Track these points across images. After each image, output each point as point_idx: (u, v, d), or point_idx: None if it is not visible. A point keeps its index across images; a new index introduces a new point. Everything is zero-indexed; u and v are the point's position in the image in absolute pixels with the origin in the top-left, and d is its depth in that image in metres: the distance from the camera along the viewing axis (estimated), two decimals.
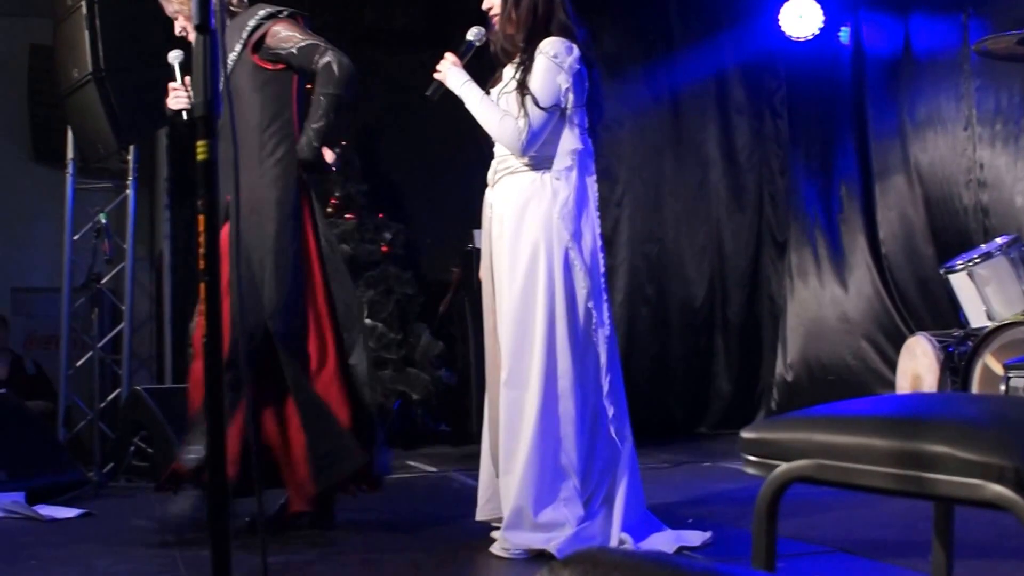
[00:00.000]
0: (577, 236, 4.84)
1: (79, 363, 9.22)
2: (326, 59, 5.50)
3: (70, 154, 9.09)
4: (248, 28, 5.65)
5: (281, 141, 5.60)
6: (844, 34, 10.38)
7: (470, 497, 5.39)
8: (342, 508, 5.72)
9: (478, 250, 10.18)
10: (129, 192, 9.35)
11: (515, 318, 4.83)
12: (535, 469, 4.69)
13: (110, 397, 9.09)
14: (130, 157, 9.27)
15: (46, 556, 5.26)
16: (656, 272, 10.59)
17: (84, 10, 8.08)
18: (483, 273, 5.23)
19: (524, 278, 4.82)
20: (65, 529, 6.14)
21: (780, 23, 10.25)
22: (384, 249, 10.04)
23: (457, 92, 5.03)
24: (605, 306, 4.90)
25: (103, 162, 9.13)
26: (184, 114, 5.79)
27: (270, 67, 5.64)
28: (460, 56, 5.09)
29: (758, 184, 10.80)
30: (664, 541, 4.83)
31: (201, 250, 2.58)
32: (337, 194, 10.03)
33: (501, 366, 4.89)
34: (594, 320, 4.81)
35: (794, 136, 10.78)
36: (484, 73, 5.18)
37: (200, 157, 2.58)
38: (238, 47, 5.65)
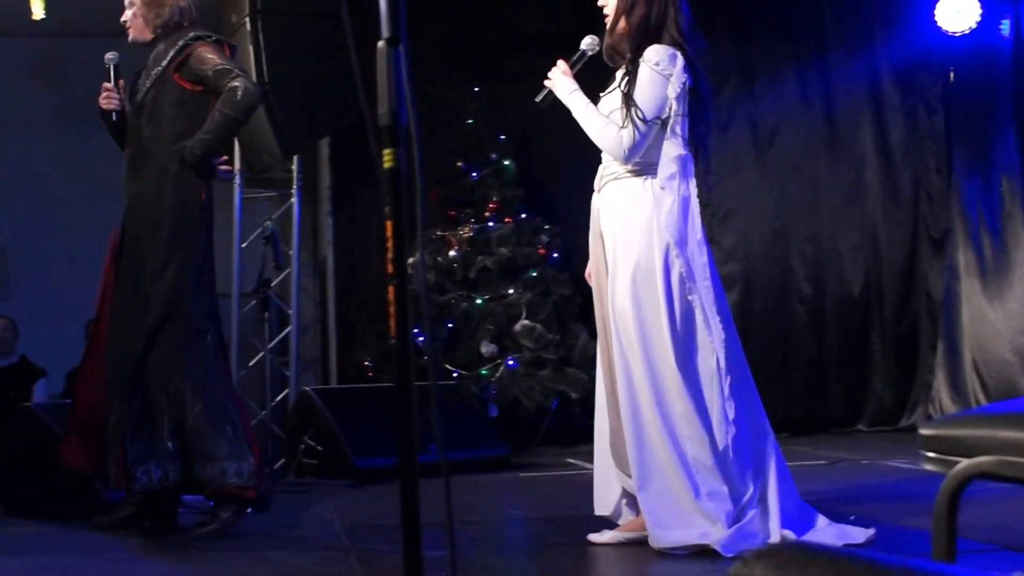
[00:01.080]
0: (681, 243, 4.79)
1: (249, 365, 9.40)
2: (235, 83, 5.58)
3: (237, 165, 9.23)
4: (177, 47, 5.74)
5: None
6: (1005, 26, 10.14)
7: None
8: (513, 503, 5.75)
9: None
10: (293, 200, 9.50)
11: (622, 326, 4.81)
12: (666, 469, 4.67)
13: (279, 397, 9.23)
14: (294, 167, 9.42)
15: (223, 547, 5.36)
16: (812, 271, 10.49)
17: (248, 27, 8.23)
18: (590, 277, 5.29)
19: (629, 285, 4.79)
20: (242, 522, 6.25)
21: (936, 18, 10.06)
22: (541, 251, 10.08)
23: (564, 100, 5.05)
24: (714, 309, 4.84)
25: (268, 172, 9.30)
26: (114, 115, 5.91)
27: (188, 86, 5.74)
28: (572, 64, 5.10)
29: (914, 181, 10.60)
30: (829, 536, 4.77)
31: (389, 255, 2.62)
32: (495, 199, 10.10)
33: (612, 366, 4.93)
34: (702, 323, 4.78)
35: (952, 132, 10.53)
36: (597, 77, 5.17)
37: (386, 165, 2.61)
38: (164, 63, 5.76)
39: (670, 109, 4.87)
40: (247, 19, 8.27)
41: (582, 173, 10.42)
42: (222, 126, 5.58)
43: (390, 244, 2.60)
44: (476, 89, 10.21)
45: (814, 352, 10.46)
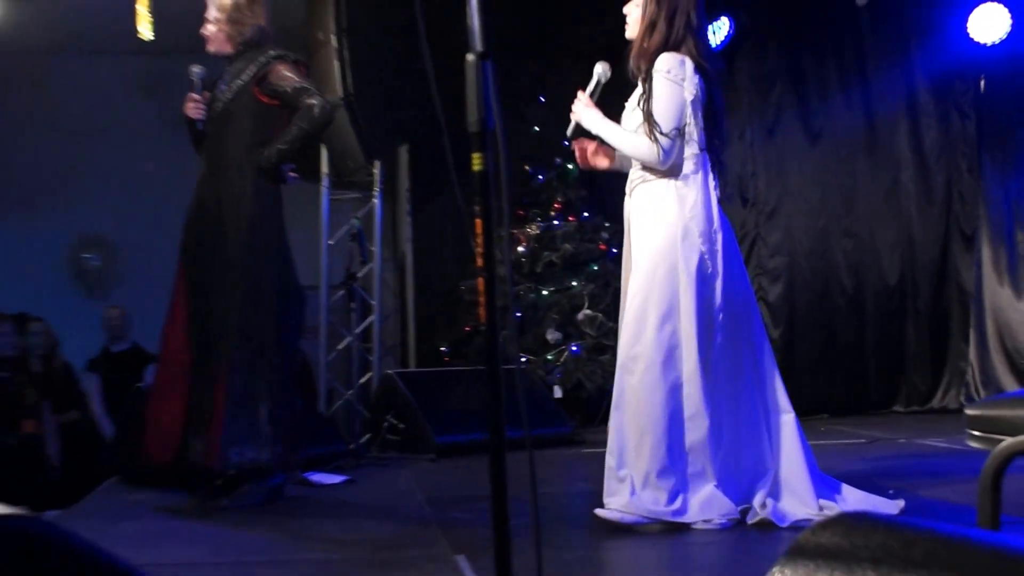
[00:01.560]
0: (705, 234, 4.72)
1: (337, 349, 9.48)
2: (311, 101, 5.68)
3: (324, 169, 9.29)
4: (258, 63, 5.79)
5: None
6: None
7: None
8: (582, 476, 5.73)
9: None
10: (375, 201, 9.52)
11: (634, 309, 4.82)
12: (655, 446, 4.64)
13: (363, 379, 9.29)
14: (376, 171, 9.43)
15: (316, 515, 5.43)
16: (852, 265, 10.46)
17: (334, 43, 8.30)
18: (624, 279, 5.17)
19: (648, 277, 4.77)
20: (335, 493, 6.32)
21: (968, 30, 9.96)
22: (602, 247, 10.12)
23: (594, 131, 5.02)
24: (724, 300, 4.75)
25: (352, 176, 9.33)
26: (198, 123, 5.93)
27: (266, 100, 5.79)
28: (591, 94, 5.05)
29: (947, 182, 10.52)
30: (855, 506, 4.72)
31: (479, 249, 2.65)
32: (559, 199, 10.14)
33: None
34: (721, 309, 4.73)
35: (982, 136, 10.42)
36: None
37: (476, 168, 2.64)
38: (245, 78, 5.80)
39: (687, 114, 4.81)
40: (333, 36, 8.34)
41: None
42: (297, 139, 5.69)
43: (479, 239, 2.63)
44: (542, 99, 10.23)
45: (854, 339, 10.42)
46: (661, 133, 4.74)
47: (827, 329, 10.34)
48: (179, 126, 11.17)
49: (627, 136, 4.90)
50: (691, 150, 4.80)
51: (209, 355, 5.66)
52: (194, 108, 5.90)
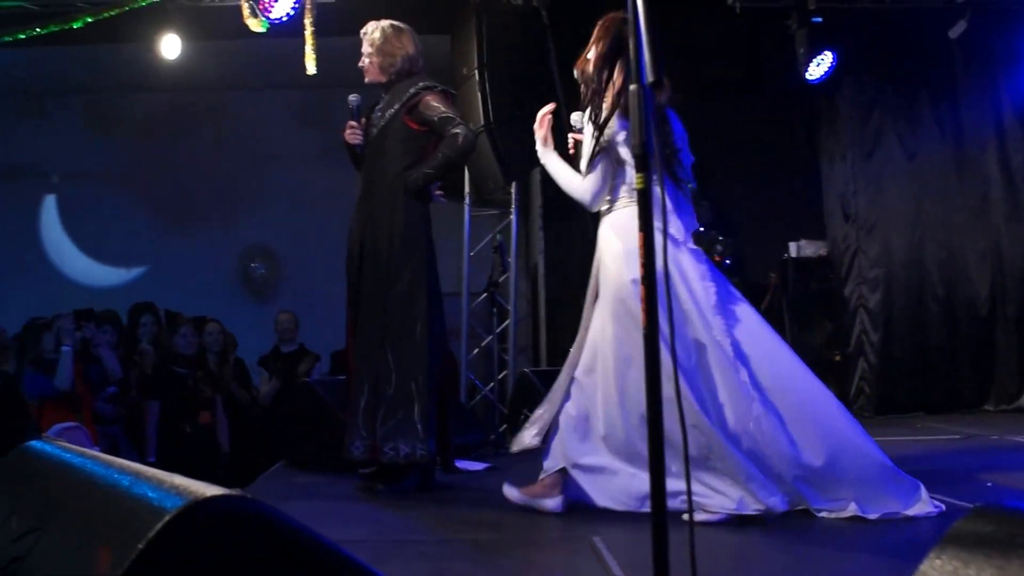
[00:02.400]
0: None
1: (475, 350, 9.65)
2: (457, 130, 5.72)
3: (467, 189, 9.46)
4: (408, 93, 5.87)
5: None
6: None
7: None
8: None
9: (793, 259, 10.24)
10: (512, 217, 9.66)
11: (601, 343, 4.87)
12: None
13: (499, 376, 9.43)
14: (512, 190, 9.57)
15: (467, 499, 5.58)
16: (945, 275, 10.36)
17: (477, 77, 8.44)
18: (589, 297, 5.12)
19: (612, 305, 4.79)
20: (480, 479, 6.43)
21: None
22: (717, 259, 10.14)
23: (542, 162, 5.18)
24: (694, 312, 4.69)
25: (491, 195, 9.48)
26: (357, 148, 6.03)
27: (416, 127, 5.85)
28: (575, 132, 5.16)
29: None
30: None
31: (641, 260, 2.75)
32: None
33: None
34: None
35: None
36: None
37: (637, 187, 2.75)
38: (397, 106, 5.89)
39: (616, 152, 4.80)
40: (476, 71, 8.47)
41: (753, 193, 10.57)
42: (443, 165, 5.75)
43: (642, 251, 2.74)
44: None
45: (947, 343, 10.32)
46: (586, 171, 4.85)
47: (922, 334, 10.27)
48: (336, 151, 11.55)
49: (567, 176, 4.99)
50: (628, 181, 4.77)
51: (367, 357, 5.77)
52: (351, 134, 6.03)
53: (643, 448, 4.34)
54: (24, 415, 8.21)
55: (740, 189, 10.52)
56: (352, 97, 6.10)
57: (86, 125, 12.56)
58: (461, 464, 6.67)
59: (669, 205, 4.75)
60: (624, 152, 4.78)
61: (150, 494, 1.61)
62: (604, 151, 4.83)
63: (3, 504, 2.12)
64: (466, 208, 9.52)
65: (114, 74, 11.53)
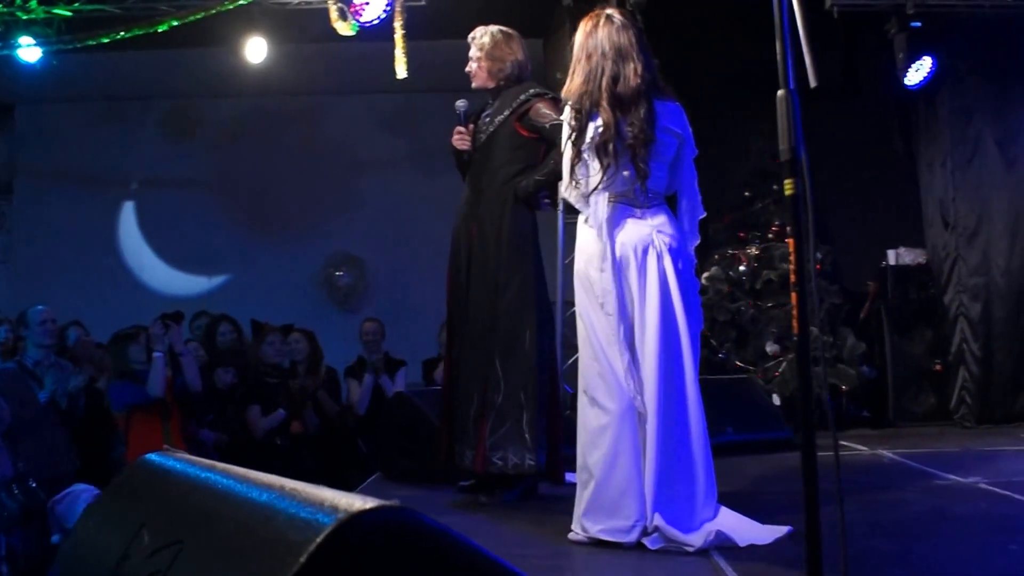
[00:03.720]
0: (582, 277, 4.67)
1: (569, 362, 9.59)
2: None
3: (561, 195, 9.40)
4: (519, 100, 5.85)
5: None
6: None
7: (899, 469, 5.80)
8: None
9: (892, 266, 10.15)
10: None
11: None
12: None
13: None
14: None
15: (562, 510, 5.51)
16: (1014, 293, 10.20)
17: None
18: None
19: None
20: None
21: None
22: (816, 267, 10.09)
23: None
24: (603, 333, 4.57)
25: None
26: (464, 154, 6.00)
27: (526, 134, 5.82)
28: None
29: None
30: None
31: (792, 267, 2.72)
32: (776, 223, 10.16)
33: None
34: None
35: None
36: None
37: (787, 192, 2.73)
38: (507, 112, 5.87)
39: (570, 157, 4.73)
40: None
41: (850, 200, 10.50)
42: (552, 172, 5.61)
43: (793, 257, 2.71)
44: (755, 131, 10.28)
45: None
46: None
47: (986, 345, 10.10)
48: (423, 157, 11.61)
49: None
50: (580, 191, 4.69)
51: (475, 366, 5.76)
52: (460, 140, 6.01)
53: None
54: (110, 427, 8.26)
55: (837, 196, 10.42)
56: (460, 102, 6.07)
57: (166, 131, 12.65)
58: (570, 477, 6.62)
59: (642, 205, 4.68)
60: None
61: (300, 510, 1.59)
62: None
63: (131, 517, 2.10)
64: (560, 215, 9.44)
65: (196, 79, 11.63)
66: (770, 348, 9.77)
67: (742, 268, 10.10)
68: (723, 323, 9.95)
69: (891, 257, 10.48)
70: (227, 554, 1.66)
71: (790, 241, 2.81)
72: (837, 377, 9.66)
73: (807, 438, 2.70)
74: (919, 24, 9.63)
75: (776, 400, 9.35)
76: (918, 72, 9.75)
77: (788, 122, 2.81)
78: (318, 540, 1.43)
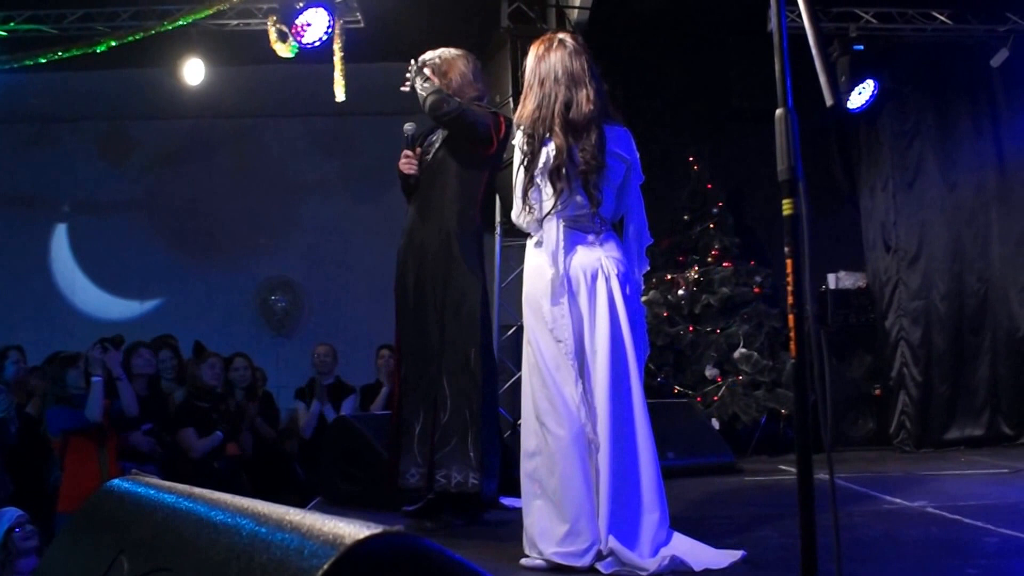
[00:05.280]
0: (529, 300, 4.64)
1: (507, 385, 9.60)
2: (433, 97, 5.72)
3: (498, 218, 9.43)
4: None
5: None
6: None
7: (844, 493, 5.81)
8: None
9: (831, 290, 10.27)
10: None
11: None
12: None
13: None
14: None
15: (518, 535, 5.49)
16: (984, 308, 10.39)
17: (511, 105, 8.44)
18: None
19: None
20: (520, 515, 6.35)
21: None
22: (756, 291, 10.20)
23: None
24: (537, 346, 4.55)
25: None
26: (412, 178, 5.96)
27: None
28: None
29: None
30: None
31: (789, 288, 2.75)
32: (716, 247, 10.27)
33: None
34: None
35: None
36: None
37: (786, 212, 2.77)
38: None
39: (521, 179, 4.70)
40: (510, 98, 8.47)
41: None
42: (451, 97, 5.71)
43: (790, 279, 2.75)
44: (694, 155, 10.41)
45: (987, 375, 10.31)
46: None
47: (963, 367, 10.26)
48: (359, 181, 11.62)
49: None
50: (534, 216, 4.65)
51: (423, 386, 5.75)
52: (407, 164, 5.95)
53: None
54: (46, 452, 8.20)
55: (775, 219, 10.53)
56: (408, 125, 6.03)
57: (100, 152, 12.57)
58: (507, 501, 6.63)
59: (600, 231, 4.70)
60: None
61: (300, 537, 1.55)
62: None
63: (106, 544, 2.08)
64: (497, 238, 9.48)
65: (132, 100, 11.57)
66: (709, 372, 9.86)
67: (681, 292, 10.17)
68: (662, 347, 9.98)
69: (831, 281, 10.57)
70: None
71: (788, 262, 2.84)
72: (776, 401, 9.74)
73: (803, 460, 2.73)
74: (862, 47, 9.78)
75: (715, 424, 9.43)
76: (860, 95, 9.87)
77: (787, 141, 2.85)
78: (324, 568, 1.39)
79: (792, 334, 2.73)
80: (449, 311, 5.74)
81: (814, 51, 2.90)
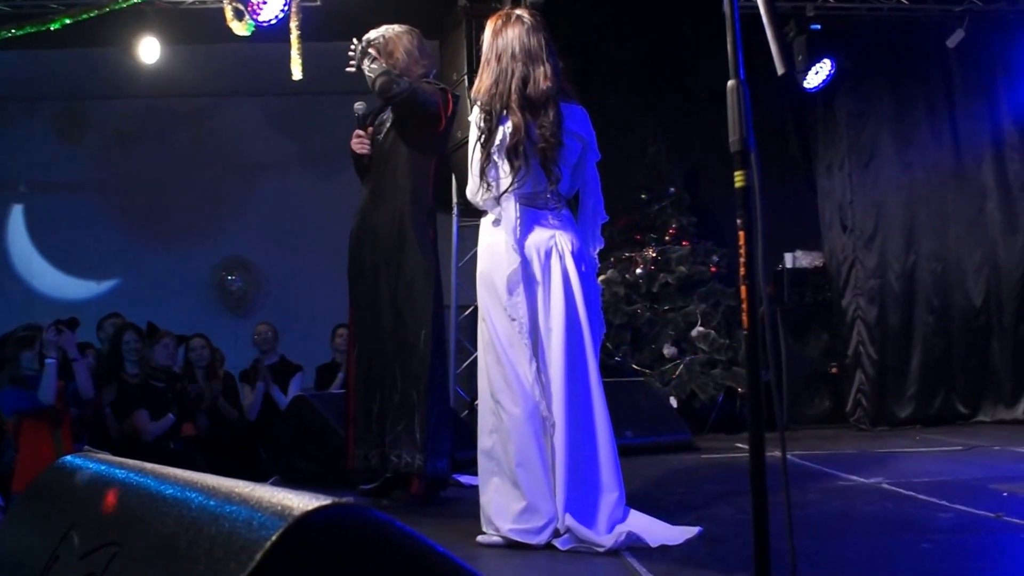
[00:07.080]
0: (483, 279, 4.65)
1: (463, 365, 9.60)
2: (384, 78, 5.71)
3: (455, 199, 9.40)
4: None
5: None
6: None
7: (799, 471, 5.89)
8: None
9: (788, 269, 10.30)
10: None
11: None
12: None
13: None
14: None
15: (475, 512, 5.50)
16: (941, 286, 10.45)
17: (466, 83, 8.41)
18: None
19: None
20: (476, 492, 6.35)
21: None
22: (712, 269, 10.22)
23: None
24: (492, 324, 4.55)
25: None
26: (364, 158, 5.97)
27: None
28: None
29: None
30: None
31: (741, 260, 2.73)
32: (673, 226, 10.27)
33: None
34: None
35: None
36: None
37: (738, 184, 2.74)
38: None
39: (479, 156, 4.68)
40: (465, 76, 8.44)
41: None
42: (401, 79, 5.71)
43: (743, 251, 2.72)
44: (651, 134, 10.40)
45: (943, 354, 10.40)
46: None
47: (918, 345, 10.33)
48: (316, 160, 11.56)
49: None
50: (492, 193, 4.62)
51: (377, 367, 5.78)
52: (358, 143, 5.97)
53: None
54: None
55: (732, 198, 10.55)
56: (358, 105, 6.02)
57: (55, 132, 12.45)
58: (463, 478, 6.63)
59: (557, 209, 4.71)
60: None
61: (249, 509, 1.53)
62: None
63: (57, 520, 2.07)
64: (454, 219, 9.45)
65: (87, 79, 11.47)
66: (667, 351, 9.88)
67: (639, 271, 10.18)
68: (619, 326, 10.00)
69: (788, 260, 10.63)
70: (171, 554, 1.60)
71: (741, 234, 2.81)
72: (733, 379, 9.77)
73: (755, 437, 2.71)
74: (819, 27, 9.80)
75: (673, 402, 9.45)
76: (817, 75, 9.90)
77: (739, 113, 2.82)
78: (272, 538, 1.38)
79: (744, 306, 2.70)
80: (402, 292, 5.75)
81: (765, 19, 2.87)
